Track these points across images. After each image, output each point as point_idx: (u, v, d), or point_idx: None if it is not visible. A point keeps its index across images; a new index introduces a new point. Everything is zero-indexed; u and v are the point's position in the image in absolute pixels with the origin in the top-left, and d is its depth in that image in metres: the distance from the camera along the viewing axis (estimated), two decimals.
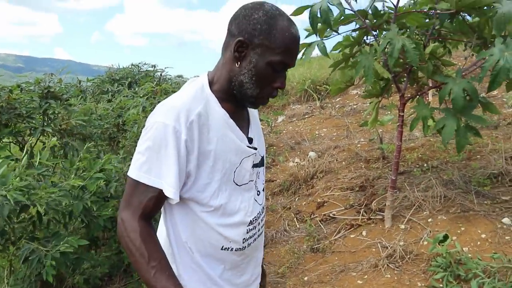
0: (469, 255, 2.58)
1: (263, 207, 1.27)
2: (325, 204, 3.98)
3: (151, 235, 1.02)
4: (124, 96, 3.83)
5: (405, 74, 3.11)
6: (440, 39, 3.24)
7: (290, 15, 2.83)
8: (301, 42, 2.93)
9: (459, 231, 2.91)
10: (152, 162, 1.02)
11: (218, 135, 1.09)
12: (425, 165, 4.15)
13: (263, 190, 1.29)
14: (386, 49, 2.67)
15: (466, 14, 2.86)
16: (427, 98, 5.55)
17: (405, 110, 3.12)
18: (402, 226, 3.15)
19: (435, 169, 3.95)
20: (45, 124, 2.66)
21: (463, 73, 2.70)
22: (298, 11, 2.82)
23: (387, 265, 2.76)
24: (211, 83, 1.13)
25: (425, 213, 3.24)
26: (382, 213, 3.35)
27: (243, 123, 1.20)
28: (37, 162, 1.81)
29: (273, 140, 6.50)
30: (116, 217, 2.54)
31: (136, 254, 0.99)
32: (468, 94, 2.76)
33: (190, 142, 1.03)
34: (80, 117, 2.71)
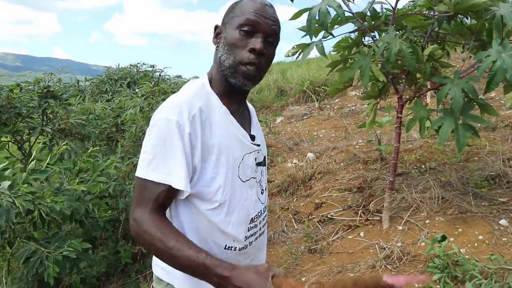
0: (467, 256, 2.59)
1: (265, 206, 1.29)
2: (323, 205, 3.98)
3: (163, 221, 1.02)
4: (123, 96, 3.84)
5: (403, 76, 3.13)
6: (438, 41, 3.25)
7: (290, 19, 2.86)
8: (298, 43, 2.97)
9: (456, 233, 2.92)
10: (159, 159, 1.02)
11: (220, 130, 1.10)
12: (423, 166, 4.16)
13: (266, 189, 1.30)
14: (384, 52, 2.68)
15: (464, 17, 2.88)
16: (425, 100, 5.57)
17: (403, 111, 3.13)
18: (400, 227, 3.16)
19: (433, 171, 3.96)
20: (44, 123, 2.66)
21: (461, 75, 2.72)
22: (298, 14, 2.83)
23: (385, 266, 2.76)
24: (210, 81, 1.17)
25: (422, 214, 3.25)
26: (380, 214, 3.36)
27: (244, 121, 1.22)
28: (44, 166, 1.81)
29: (272, 141, 6.50)
30: (115, 217, 2.55)
31: (154, 243, 0.98)
32: (467, 95, 2.77)
33: (193, 136, 1.04)
34: (79, 116, 2.71)
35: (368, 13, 3.07)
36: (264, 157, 1.29)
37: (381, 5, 3.43)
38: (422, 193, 3.50)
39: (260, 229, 1.26)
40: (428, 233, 2.98)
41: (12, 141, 2.91)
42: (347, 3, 2.89)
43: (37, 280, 2.10)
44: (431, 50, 3.03)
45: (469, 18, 2.89)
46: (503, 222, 2.90)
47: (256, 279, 0.92)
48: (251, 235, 1.21)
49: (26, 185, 1.60)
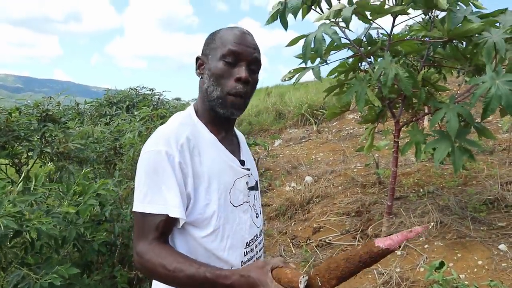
0: (466, 282, 2.56)
1: (261, 230, 1.29)
2: (321, 229, 3.96)
3: (163, 247, 1.02)
4: (122, 120, 3.86)
5: (400, 100, 3.16)
6: (434, 66, 3.31)
7: (286, 46, 2.91)
8: (295, 67, 3.01)
9: (455, 258, 2.89)
10: (154, 190, 1.03)
11: (209, 157, 1.11)
12: (421, 190, 4.16)
13: (261, 213, 1.30)
14: (380, 77, 2.72)
15: (458, 42, 2.93)
16: (423, 124, 5.61)
17: (400, 135, 3.15)
18: (398, 253, 3.13)
19: (431, 195, 3.96)
20: (43, 146, 2.67)
21: (457, 99, 2.75)
22: (294, 41, 2.89)
23: None
24: (196, 112, 1.19)
25: (421, 239, 3.23)
26: None
27: (233, 147, 1.23)
28: (32, 187, 1.80)
29: (270, 164, 6.51)
30: (112, 241, 2.52)
31: (157, 270, 0.99)
32: (463, 119, 2.80)
33: (184, 164, 1.05)
34: (77, 140, 2.72)
35: (364, 39, 3.14)
36: (256, 181, 1.30)
37: (377, 31, 3.52)
38: (420, 217, 3.49)
39: (257, 253, 1.26)
40: (427, 258, 2.96)
41: (10, 164, 2.91)
42: (344, 30, 2.95)
43: None
44: (425, 74, 3.08)
45: (462, 44, 2.95)
46: (502, 247, 2.88)
47: (257, 276, 0.93)
48: (248, 260, 1.21)
49: (11, 205, 1.59)
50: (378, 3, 2.79)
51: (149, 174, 1.04)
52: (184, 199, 1.05)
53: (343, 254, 0.89)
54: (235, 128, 1.32)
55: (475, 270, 2.72)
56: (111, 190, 2.23)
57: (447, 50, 3.00)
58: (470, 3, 2.73)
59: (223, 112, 1.14)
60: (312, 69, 2.91)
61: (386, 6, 2.78)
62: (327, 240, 3.68)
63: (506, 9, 2.68)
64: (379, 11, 2.79)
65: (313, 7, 2.91)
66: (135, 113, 3.52)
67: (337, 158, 6.19)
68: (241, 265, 1.17)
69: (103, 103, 5.53)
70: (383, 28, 3.03)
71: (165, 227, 1.04)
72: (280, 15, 2.81)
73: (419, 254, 3.03)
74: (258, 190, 1.31)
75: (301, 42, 2.77)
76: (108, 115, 5.12)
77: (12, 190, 1.74)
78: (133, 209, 1.06)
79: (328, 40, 2.69)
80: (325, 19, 2.77)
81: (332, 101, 8.85)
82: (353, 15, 2.70)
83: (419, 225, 3.34)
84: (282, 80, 3.16)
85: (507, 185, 3.73)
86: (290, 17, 2.85)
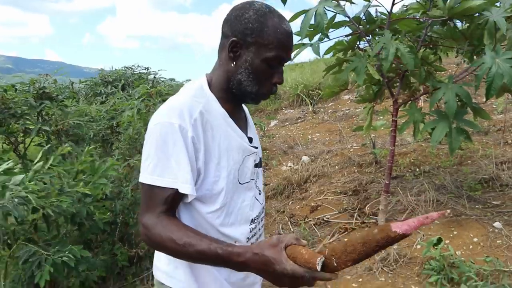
0: (462, 258, 2.61)
1: (263, 207, 1.30)
2: (319, 208, 3.99)
3: (172, 221, 1.01)
4: (118, 98, 3.82)
5: (398, 80, 3.15)
6: (431, 46, 3.29)
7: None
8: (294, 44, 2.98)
9: (451, 235, 2.94)
10: (164, 163, 1.01)
11: (220, 133, 1.10)
12: (417, 170, 4.19)
13: (263, 190, 1.30)
14: (380, 54, 2.70)
15: (457, 21, 2.91)
16: (419, 104, 5.62)
17: (398, 115, 3.15)
18: None
19: (427, 174, 4.00)
20: (41, 124, 2.64)
21: (455, 79, 2.75)
22: (294, 17, 2.84)
23: (381, 268, 2.78)
24: (209, 84, 1.15)
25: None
26: (376, 217, 3.37)
27: (241, 123, 1.22)
28: (47, 166, 1.79)
29: (266, 144, 6.51)
30: (112, 220, 2.53)
31: (166, 244, 0.98)
32: (461, 100, 2.80)
33: (196, 139, 1.04)
34: (76, 118, 2.69)
35: (363, 17, 3.10)
36: (260, 158, 1.30)
37: (376, 9, 3.47)
38: (417, 196, 3.53)
39: (259, 229, 1.27)
40: (423, 235, 3.00)
41: (7, 142, 2.88)
42: (343, 6, 2.91)
43: (33, 284, 2.07)
44: (424, 54, 3.06)
45: (463, 22, 2.93)
46: (497, 224, 2.94)
47: (271, 254, 0.91)
48: (253, 236, 1.21)
49: (33, 182, 1.58)
50: None
51: (160, 146, 1.01)
52: (194, 174, 1.04)
53: (360, 237, 0.89)
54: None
55: (471, 247, 2.78)
56: (117, 170, 2.22)
57: (445, 30, 2.98)
58: None
59: (250, 102, 1.16)
60: (311, 45, 2.88)
61: None
62: (324, 218, 3.72)
63: None
64: None
65: None
66: (133, 91, 3.48)
67: (333, 138, 6.21)
68: (246, 241, 1.18)
69: (98, 82, 5.46)
70: (383, 6, 2.99)
71: (174, 201, 1.03)
72: None
73: (416, 232, 3.08)
74: (261, 167, 1.31)
75: (300, 19, 2.73)
76: (104, 94, 5.06)
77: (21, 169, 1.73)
78: (141, 180, 1.04)
79: (329, 15, 2.66)
80: None
81: (328, 81, 8.82)
82: None
83: (416, 204, 3.39)
84: None
85: (502, 164, 3.78)
86: None
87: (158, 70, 5.69)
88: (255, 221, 1.23)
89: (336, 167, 4.89)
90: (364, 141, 5.41)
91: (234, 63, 1.10)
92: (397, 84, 3.20)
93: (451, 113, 2.48)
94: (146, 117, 2.50)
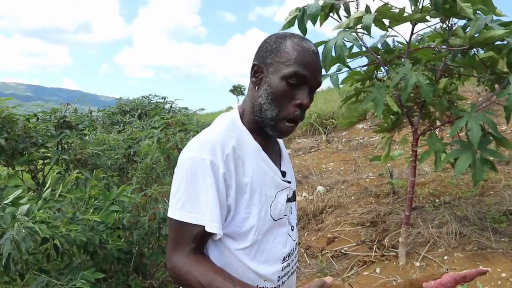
0: None
1: (296, 243, 1.23)
2: (336, 239, 3.90)
3: (200, 260, 0.98)
4: (135, 127, 3.85)
5: (417, 109, 3.13)
6: (451, 74, 3.27)
7: None
8: None
9: None
10: (194, 199, 0.98)
11: (253, 168, 1.06)
12: (437, 200, 4.09)
13: (296, 225, 1.25)
14: (399, 84, 2.69)
15: (478, 49, 2.90)
16: (439, 133, 5.55)
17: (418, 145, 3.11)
18: (418, 264, 3.06)
19: (447, 205, 3.89)
20: (60, 153, 2.66)
21: (478, 108, 2.71)
22: None
23: None
24: (241, 116, 1.12)
25: (440, 250, 3.16)
26: (396, 250, 3.27)
27: (275, 156, 1.17)
28: (57, 194, 1.78)
29: None
30: (127, 249, 2.48)
31: (193, 285, 0.95)
32: (482, 129, 2.75)
33: (228, 176, 1.00)
34: (95, 147, 2.71)
35: (381, 47, 3.12)
36: (294, 191, 1.24)
37: (393, 39, 3.49)
38: (438, 228, 3.42)
39: (292, 267, 1.21)
40: (447, 269, 2.89)
41: (26, 170, 2.90)
42: (361, 37, 2.93)
43: None
44: (445, 83, 3.04)
45: (482, 50, 2.91)
46: None
47: None
48: (285, 275, 1.16)
49: (41, 211, 1.56)
50: (397, 10, 2.78)
51: (190, 181, 0.98)
52: (224, 211, 1.00)
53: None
54: None
55: (499, 282, 2.65)
56: (130, 197, 2.20)
57: (465, 59, 2.97)
58: (490, 11, 2.71)
59: (271, 133, 1.08)
60: (330, 76, 2.89)
61: (405, 14, 2.76)
62: (342, 251, 3.62)
63: None
64: (398, 19, 2.77)
65: (331, 14, 2.90)
66: (152, 119, 3.51)
67: (348, 167, 6.14)
68: (277, 280, 1.13)
69: (116, 111, 5.54)
70: (401, 36, 3.01)
71: (202, 238, 1.00)
72: (298, 21, 2.80)
73: (439, 266, 2.97)
74: (295, 201, 1.25)
75: (319, 49, 2.75)
76: (121, 122, 5.12)
77: (33, 197, 1.72)
78: (170, 215, 1.01)
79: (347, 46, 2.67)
80: (345, 27, 2.75)
81: (341, 110, 8.83)
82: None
83: (438, 236, 3.28)
84: None
85: None
86: (308, 24, 2.83)
87: (175, 100, 5.75)
88: (287, 259, 1.16)
89: (352, 197, 4.80)
90: (381, 171, 5.33)
91: (257, 87, 1.07)
92: (417, 113, 3.17)
93: (475, 142, 2.43)
94: (165, 147, 2.51)
